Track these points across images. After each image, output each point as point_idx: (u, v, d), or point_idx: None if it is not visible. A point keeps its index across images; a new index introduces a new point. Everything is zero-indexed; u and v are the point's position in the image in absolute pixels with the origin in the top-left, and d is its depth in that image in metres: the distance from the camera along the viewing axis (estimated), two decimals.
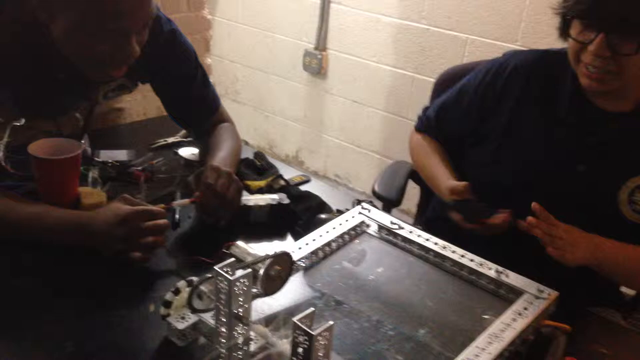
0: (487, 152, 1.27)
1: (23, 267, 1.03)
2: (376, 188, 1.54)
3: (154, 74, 1.33)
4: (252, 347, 0.81)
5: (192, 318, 0.86)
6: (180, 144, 1.48)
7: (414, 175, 1.56)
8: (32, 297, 0.97)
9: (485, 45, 2.51)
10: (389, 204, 1.51)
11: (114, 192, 1.20)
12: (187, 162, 1.39)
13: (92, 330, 0.90)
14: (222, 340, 0.78)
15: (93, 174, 1.26)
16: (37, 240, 1.04)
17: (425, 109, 1.46)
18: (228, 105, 3.63)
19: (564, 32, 1.15)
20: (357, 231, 1.09)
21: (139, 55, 1.12)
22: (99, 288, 1.00)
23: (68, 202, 1.12)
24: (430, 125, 1.42)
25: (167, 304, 0.87)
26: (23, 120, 1.20)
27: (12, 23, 1.09)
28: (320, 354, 0.69)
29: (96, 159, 1.33)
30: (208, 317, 0.85)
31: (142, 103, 1.96)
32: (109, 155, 1.35)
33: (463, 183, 1.19)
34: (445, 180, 1.27)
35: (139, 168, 1.33)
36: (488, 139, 1.27)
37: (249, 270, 0.76)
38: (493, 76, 1.29)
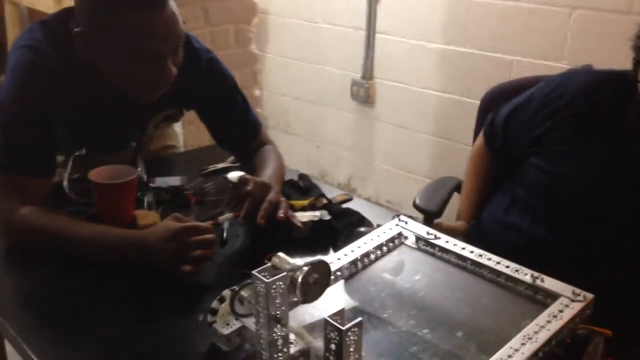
0: (546, 162, 1.28)
1: (82, 281, 1.12)
2: (417, 201, 1.56)
3: (197, 101, 1.43)
4: (292, 349, 0.85)
5: (236, 324, 0.92)
6: (229, 169, 1.56)
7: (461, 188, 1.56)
8: (91, 307, 1.05)
9: (531, 65, 2.51)
10: (429, 216, 1.52)
11: (167, 214, 1.28)
12: (235, 185, 1.47)
13: (146, 337, 0.98)
14: (262, 342, 0.83)
15: (148, 198, 1.35)
16: (98, 256, 1.13)
17: (496, 113, 1.46)
18: (280, 137, 3.74)
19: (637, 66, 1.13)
20: (395, 243, 1.12)
21: (182, 84, 1.22)
22: (152, 300, 1.08)
23: (125, 222, 1.21)
24: (495, 131, 1.43)
25: (214, 312, 0.93)
26: (84, 150, 1.32)
27: (66, 67, 1.20)
28: (351, 349, 0.72)
29: (151, 184, 1.42)
30: (250, 323, 0.90)
31: (195, 134, 2.08)
32: (163, 181, 1.45)
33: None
34: (461, 214, 1.46)
35: (191, 192, 1.42)
36: (549, 151, 1.28)
37: (285, 273, 0.81)
38: (560, 92, 1.28)
